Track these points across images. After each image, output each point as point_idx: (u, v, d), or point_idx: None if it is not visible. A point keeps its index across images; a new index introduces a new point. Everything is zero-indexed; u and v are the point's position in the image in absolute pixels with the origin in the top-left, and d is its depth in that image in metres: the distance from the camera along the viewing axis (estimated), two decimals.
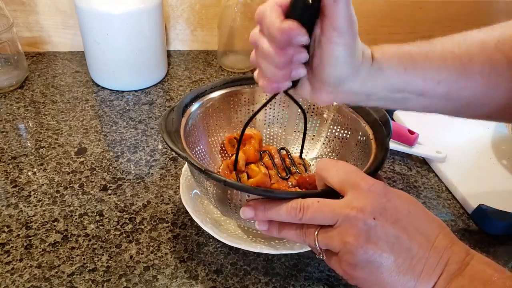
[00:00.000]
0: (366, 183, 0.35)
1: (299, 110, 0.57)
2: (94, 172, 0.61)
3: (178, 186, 0.56)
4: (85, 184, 0.58)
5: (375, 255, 0.32)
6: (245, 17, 0.82)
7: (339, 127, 0.55)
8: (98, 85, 0.81)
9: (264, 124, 0.59)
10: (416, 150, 0.66)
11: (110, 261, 0.48)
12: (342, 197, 0.36)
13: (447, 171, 0.62)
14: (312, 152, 0.58)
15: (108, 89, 0.80)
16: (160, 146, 0.66)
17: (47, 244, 0.50)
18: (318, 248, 0.36)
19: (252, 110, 0.58)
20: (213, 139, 0.56)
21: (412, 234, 0.33)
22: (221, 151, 0.57)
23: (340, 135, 0.54)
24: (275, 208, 0.38)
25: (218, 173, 0.44)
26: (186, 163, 0.51)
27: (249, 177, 0.52)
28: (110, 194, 0.57)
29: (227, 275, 0.48)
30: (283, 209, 0.37)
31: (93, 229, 0.52)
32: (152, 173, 0.61)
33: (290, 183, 0.52)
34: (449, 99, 0.40)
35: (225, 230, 0.49)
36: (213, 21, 0.92)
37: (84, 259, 0.48)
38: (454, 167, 0.63)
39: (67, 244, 0.50)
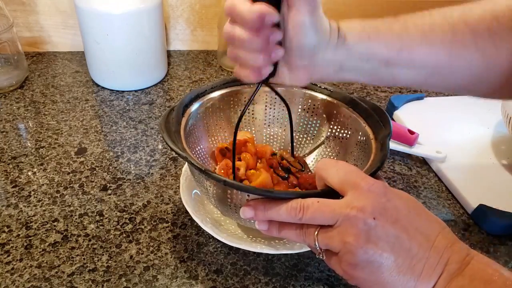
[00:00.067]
0: (366, 183, 0.35)
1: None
2: (94, 172, 0.61)
3: (178, 186, 0.56)
4: (85, 184, 0.58)
5: (375, 255, 0.32)
6: None
7: (339, 127, 0.55)
8: (98, 85, 0.81)
9: (264, 124, 0.59)
10: (416, 150, 0.66)
11: (110, 261, 0.48)
12: (342, 197, 0.36)
13: (447, 171, 0.62)
14: (312, 152, 0.58)
15: (108, 89, 0.80)
16: (160, 146, 0.66)
17: (47, 244, 0.50)
18: (318, 248, 0.36)
19: (253, 110, 0.58)
20: (213, 139, 0.56)
21: (412, 234, 0.33)
22: (211, 157, 0.56)
23: (340, 135, 0.54)
24: (275, 208, 0.38)
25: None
26: (186, 163, 0.51)
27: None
28: (110, 194, 0.57)
29: (227, 275, 0.48)
30: (283, 209, 0.37)
31: (93, 229, 0.52)
32: (152, 173, 0.61)
33: (290, 184, 0.52)
34: (414, 67, 0.42)
35: (225, 230, 0.49)
36: (213, 21, 0.92)
37: (84, 259, 0.48)
38: (454, 167, 0.63)
39: (67, 244, 0.50)
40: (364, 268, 0.33)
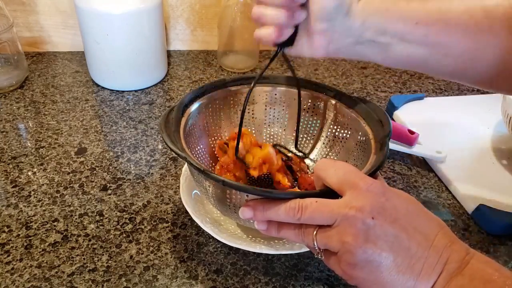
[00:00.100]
0: (364, 183, 0.35)
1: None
2: (94, 172, 0.61)
3: (178, 186, 0.56)
4: (85, 184, 0.58)
5: (374, 254, 0.32)
6: (245, 17, 0.82)
7: (339, 127, 0.55)
8: (98, 85, 0.81)
9: (264, 124, 0.59)
10: (416, 150, 0.66)
11: (110, 261, 0.48)
12: (341, 197, 0.36)
13: (447, 171, 0.62)
14: (312, 152, 0.58)
15: (108, 89, 0.80)
16: (160, 146, 0.67)
17: (47, 244, 0.50)
18: (316, 248, 0.36)
19: (253, 110, 0.58)
20: (213, 139, 0.56)
21: (411, 233, 0.33)
22: (211, 157, 0.56)
23: (340, 135, 0.54)
24: (273, 208, 0.38)
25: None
26: (186, 163, 0.51)
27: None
28: (110, 194, 0.57)
29: (227, 275, 0.48)
30: (281, 209, 0.37)
31: (93, 229, 0.52)
32: (152, 173, 0.61)
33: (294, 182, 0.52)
34: (428, 45, 0.42)
35: (225, 230, 0.49)
36: (213, 21, 0.92)
37: (84, 259, 0.48)
38: (454, 167, 0.63)
39: (67, 244, 0.50)
40: (363, 268, 0.33)
